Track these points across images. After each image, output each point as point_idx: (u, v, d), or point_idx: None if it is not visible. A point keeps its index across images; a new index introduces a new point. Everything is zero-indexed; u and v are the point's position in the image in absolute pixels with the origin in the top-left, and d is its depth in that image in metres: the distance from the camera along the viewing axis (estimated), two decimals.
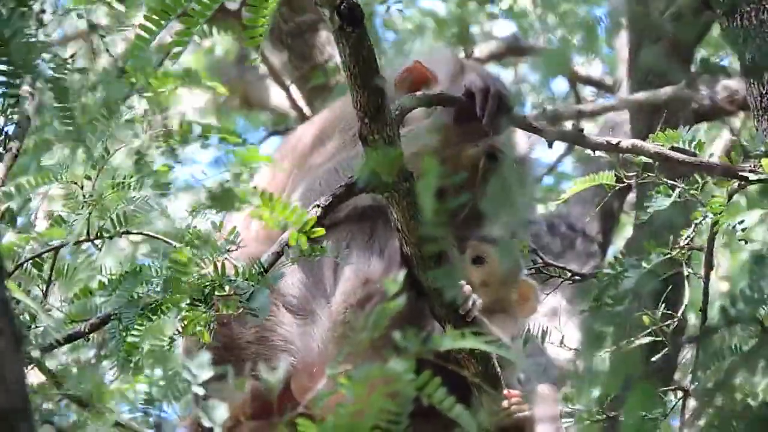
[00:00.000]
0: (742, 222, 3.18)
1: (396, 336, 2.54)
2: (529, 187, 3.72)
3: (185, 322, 3.20)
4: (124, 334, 3.16)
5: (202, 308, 3.19)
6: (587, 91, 7.46)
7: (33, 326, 3.25)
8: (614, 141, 3.34)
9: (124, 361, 3.15)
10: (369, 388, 2.54)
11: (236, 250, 3.29)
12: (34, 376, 3.12)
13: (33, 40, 3.22)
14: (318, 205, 3.34)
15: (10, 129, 3.48)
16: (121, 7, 4.11)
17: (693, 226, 3.30)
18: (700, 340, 3.15)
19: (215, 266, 3.21)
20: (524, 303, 3.53)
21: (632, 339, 3.21)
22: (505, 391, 3.34)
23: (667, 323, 3.24)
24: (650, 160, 3.34)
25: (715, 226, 3.27)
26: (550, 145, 3.38)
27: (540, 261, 3.75)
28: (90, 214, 3.35)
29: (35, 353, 3.12)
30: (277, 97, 6.51)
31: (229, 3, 5.64)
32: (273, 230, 3.32)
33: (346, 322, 3.42)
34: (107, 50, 4.11)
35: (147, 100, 3.75)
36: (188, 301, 3.18)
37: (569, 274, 3.76)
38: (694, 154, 3.31)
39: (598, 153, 3.42)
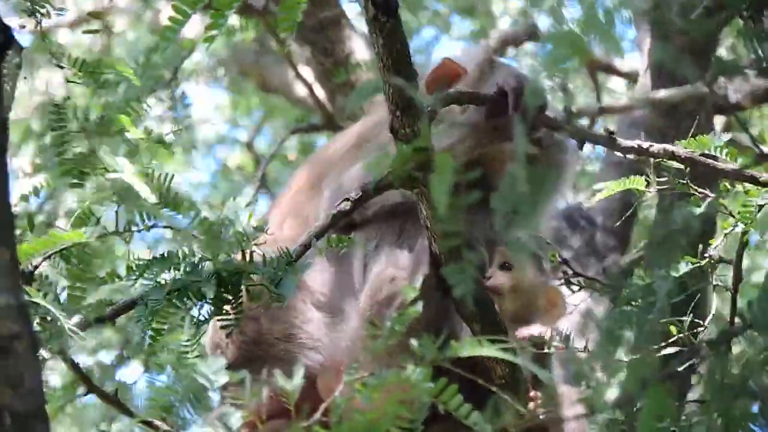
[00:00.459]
0: None
1: (413, 343, 2.54)
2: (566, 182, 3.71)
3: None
4: (150, 318, 3.15)
5: (229, 297, 3.18)
6: (608, 80, 7.47)
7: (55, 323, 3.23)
8: (645, 145, 3.32)
9: (147, 357, 3.13)
10: (385, 395, 2.55)
11: (264, 242, 3.28)
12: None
13: None
14: (348, 199, 3.33)
15: None
16: None
17: (723, 235, 3.28)
18: (719, 345, 3.13)
19: (243, 255, 3.20)
20: (551, 309, 3.53)
21: (656, 347, 3.19)
22: (531, 393, 3.35)
23: (693, 331, 3.23)
24: (681, 166, 3.33)
25: (744, 236, 3.25)
26: (580, 147, 3.37)
27: (570, 271, 3.73)
28: (118, 207, 3.34)
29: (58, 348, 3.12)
30: (298, 88, 6.49)
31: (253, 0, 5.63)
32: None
33: (371, 320, 3.42)
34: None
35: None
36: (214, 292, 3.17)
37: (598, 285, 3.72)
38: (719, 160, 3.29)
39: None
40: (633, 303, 3.16)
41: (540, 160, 3.44)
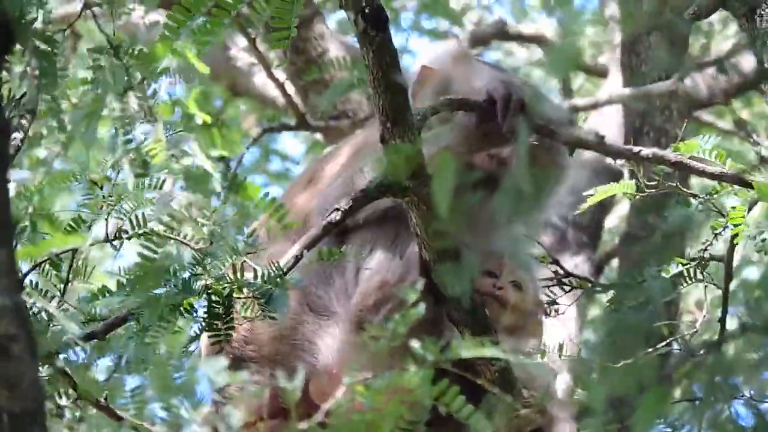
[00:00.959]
0: (761, 233, 3.20)
1: (414, 345, 2.55)
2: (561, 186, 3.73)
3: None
4: (142, 334, 3.14)
5: (221, 310, 3.18)
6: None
7: (50, 325, 3.21)
8: (635, 149, 3.34)
9: (141, 369, 3.11)
10: (386, 397, 2.56)
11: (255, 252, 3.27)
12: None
13: None
14: (338, 209, 3.34)
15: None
16: None
17: (713, 235, 3.32)
18: (715, 347, 3.17)
19: (234, 268, 3.20)
20: (530, 338, 3.63)
21: (650, 348, 3.23)
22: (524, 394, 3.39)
23: (689, 333, 3.26)
24: (670, 170, 3.35)
25: (735, 238, 3.28)
26: (570, 152, 3.38)
27: (561, 271, 3.76)
28: (108, 214, 3.32)
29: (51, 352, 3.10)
30: (267, 88, 6.44)
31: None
32: None
33: (361, 324, 3.43)
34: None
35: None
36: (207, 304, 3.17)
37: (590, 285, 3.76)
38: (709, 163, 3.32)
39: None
40: (624, 303, 3.20)
41: (539, 164, 3.48)
